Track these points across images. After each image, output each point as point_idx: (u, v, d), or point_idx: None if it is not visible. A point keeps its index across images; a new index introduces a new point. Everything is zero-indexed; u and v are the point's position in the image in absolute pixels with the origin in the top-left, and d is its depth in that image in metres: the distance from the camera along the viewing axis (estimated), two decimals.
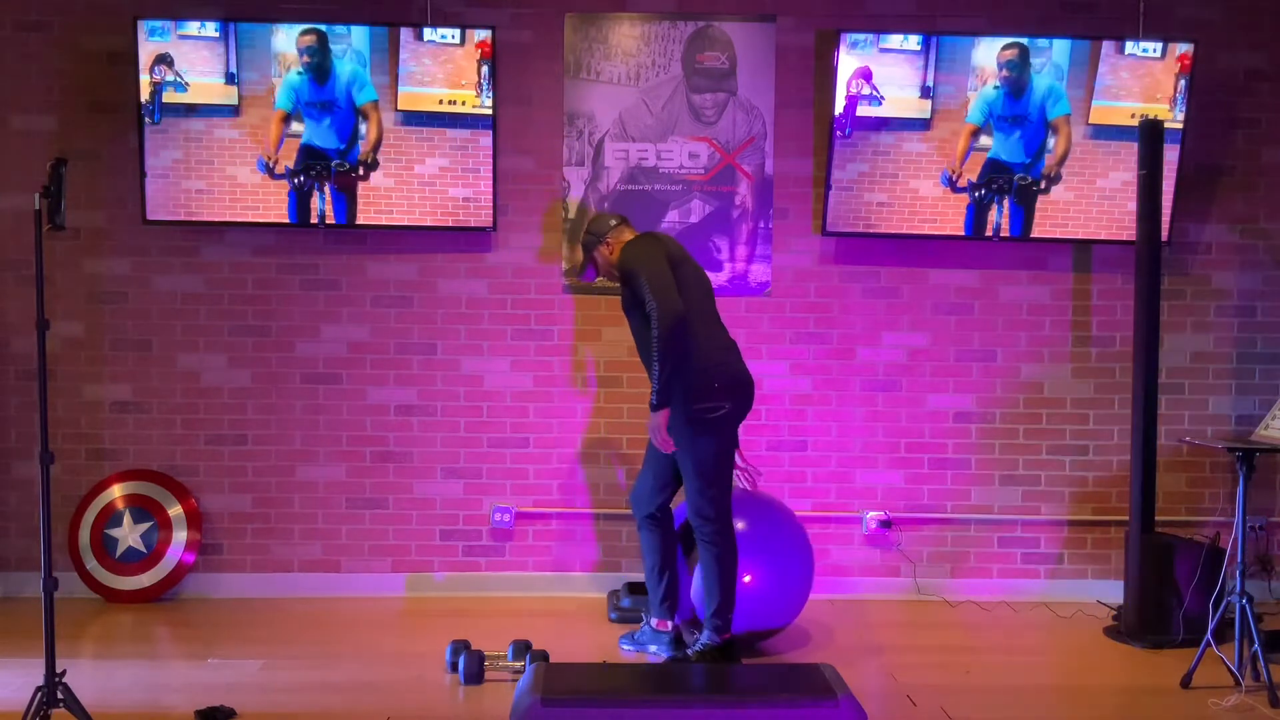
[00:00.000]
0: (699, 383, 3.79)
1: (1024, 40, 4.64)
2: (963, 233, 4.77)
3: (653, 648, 4.00)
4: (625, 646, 4.10)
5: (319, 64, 4.56)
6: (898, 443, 4.94)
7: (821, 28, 4.80)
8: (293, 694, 3.64)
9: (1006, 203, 4.75)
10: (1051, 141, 4.71)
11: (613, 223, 4.07)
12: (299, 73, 4.56)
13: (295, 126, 4.61)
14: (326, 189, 4.66)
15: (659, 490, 3.98)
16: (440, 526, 4.90)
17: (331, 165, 4.64)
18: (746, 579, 3.94)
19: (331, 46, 4.57)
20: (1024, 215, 4.76)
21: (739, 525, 3.94)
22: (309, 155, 4.62)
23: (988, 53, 4.63)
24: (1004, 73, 4.63)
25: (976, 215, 4.76)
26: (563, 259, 4.87)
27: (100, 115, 4.75)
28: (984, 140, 4.69)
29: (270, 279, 4.84)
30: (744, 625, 3.96)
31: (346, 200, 4.67)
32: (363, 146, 4.64)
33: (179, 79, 4.56)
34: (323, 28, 4.57)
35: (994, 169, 4.70)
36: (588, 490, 4.89)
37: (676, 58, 4.83)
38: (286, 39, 4.56)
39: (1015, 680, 3.87)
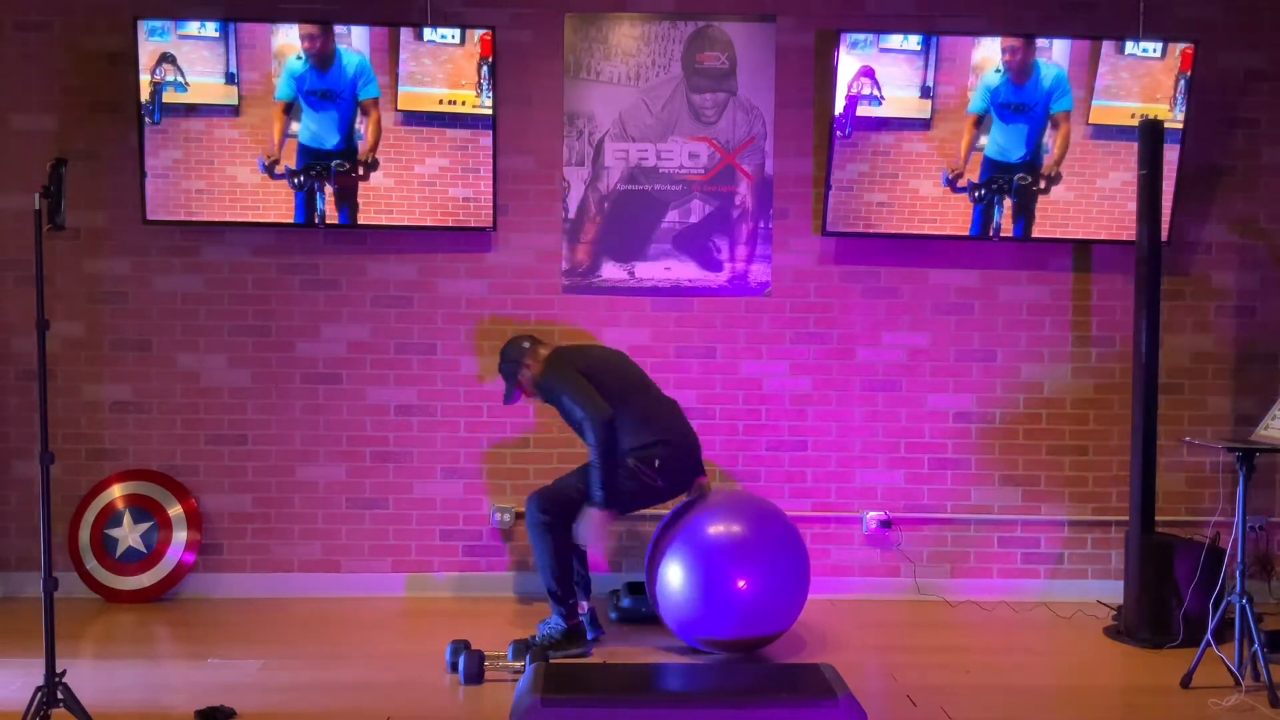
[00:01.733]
0: (643, 455, 4.04)
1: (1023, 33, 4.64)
2: (963, 233, 4.77)
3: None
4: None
5: (321, 49, 4.55)
6: (898, 443, 4.94)
7: (821, 28, 4.80)
8: (293, 694, 3.64)
9: (1007, 203, 4.75)
10: (1051, 137, 4.70)
11: (525, 345, 4.25)
12: (299, 58, 4.55)
13: (294, 126, 4.61)
14: (327, 189, 4.66)
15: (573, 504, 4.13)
16: (440, 526, 4.90)
17: (331, 165, 4.64)
18: (741, 584, 3.92)
19: (336, 31, 4.56)
20: (1024, 215, 4.76)
21: (734, 529, 3.95)
22: (307, 155, 4.62)
23: (988, 52, 4.63)
24: (1007, 56, 4.62)
25: (975, 215, 4.75)
26: (563, 259, 4.87)
27: (100, 115, 4.75)
28: (982, 140, 4.69)
29: (270, 279, 4.84)
30: (740, 632, 3.94)
31: (347, 200, 4.67)
32: (361, 146, 4.63)
33: (180, 79, 4.56)
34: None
35: (992, 168, 4.70)
36: None
37: (676, 58, 4.83)
38: (287, 37, 4.55)
39: (1015, 680, 3.87)
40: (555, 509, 4.06)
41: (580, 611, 4.13)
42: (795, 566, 4.03)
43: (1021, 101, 4.66)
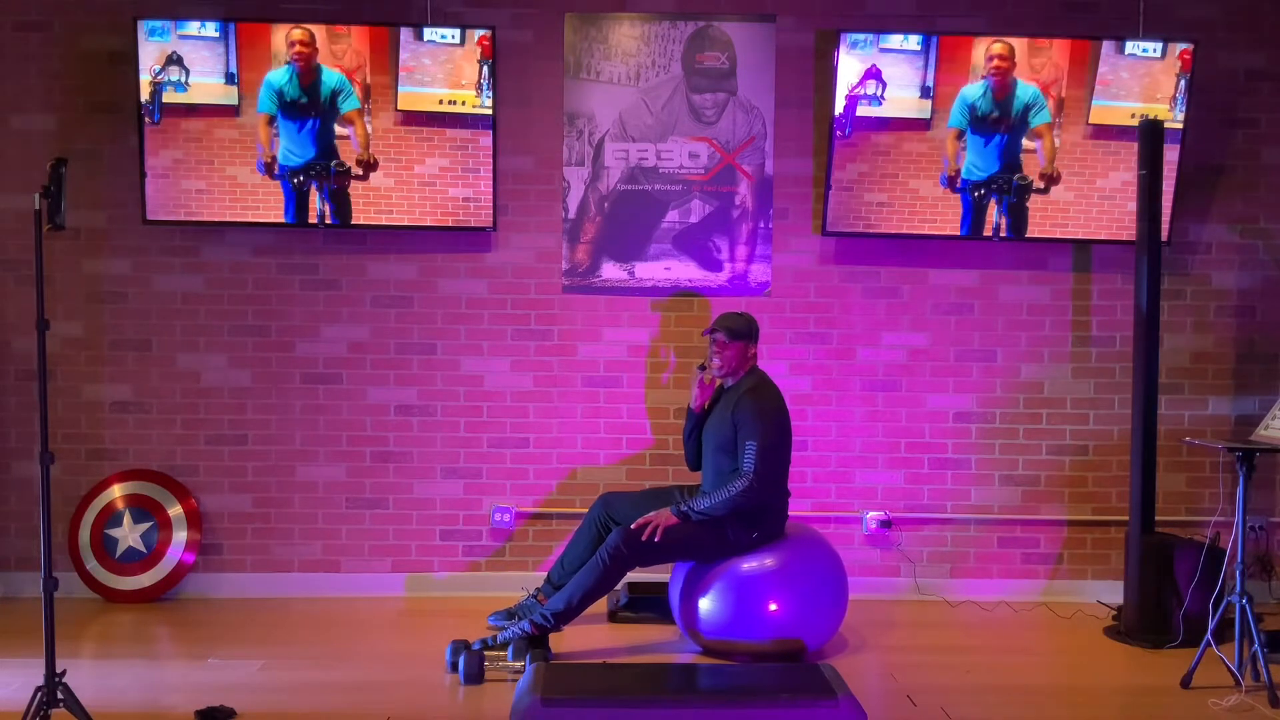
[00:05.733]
0: (749, 533, 4.02)
1: (1012, 40, 4.63)
2: (962, 233, 4.77)
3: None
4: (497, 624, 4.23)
5: (308, 64, 4.55)
6: (898, 443, 4.94)
7: (821, 28, 4.80)
8: (293, 694, 3.64)
9: (1005, 203, 4.75)
10: (1038, 147, 4.70)
11: (756, 333, 4.22)
12: (286, 67, 4.55)
13: (278, 128, 4.61)
14: (326, 189, 4.66)
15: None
16: (440, 526, 4.90)
17: (331, 165, 4.64)
18: (772, 607, 3.94)
19: (331, 46, 4.56)
20: (1023, 215, 4.75)
21: (770, 561, 4.00)
22: (286, 171, 4.62)
23: (983, 53, 4.63)
24: (994, 64, 4.61)
25: (975, 215, 4.76)
26: (563, 258, 4.87)
27: (100, 115, 4.75)
28: (964, 142, 4.70)
29: (270, 279, 4.84)
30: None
31: (346, 200, 4.67)
32: (354, 148, 4.62)
33: (183, 80, 4.56)
34: (312, 28, 4.56)
35: (971, 184, 4.70)
36: (588, 490, 4.87)
37: (676, 58, 4.83)
38: (285, 38, 4.56)
39: (1015, 680, 3.87)
40: (636, 551, 3.97)
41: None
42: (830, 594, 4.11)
43: (999, 116, 4.66)
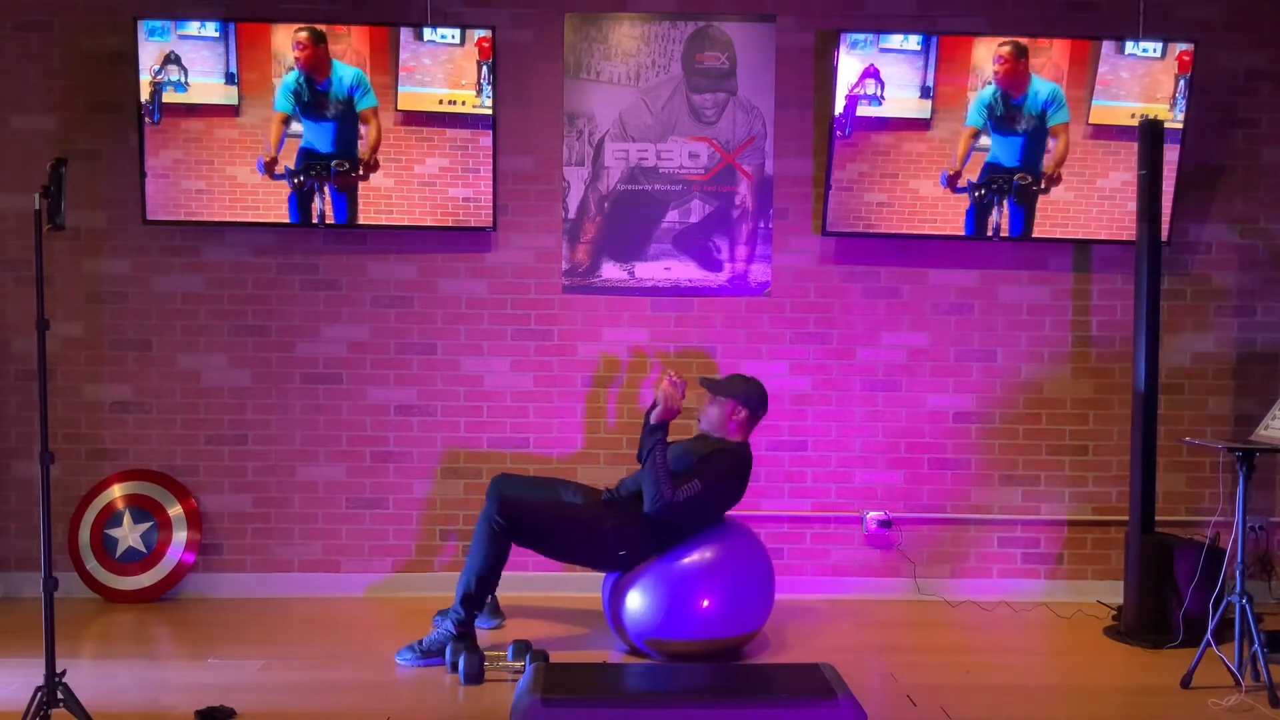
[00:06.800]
0: (619, 548, 3.99)
1: (1019, 39, 4.64)
2: (963, 233, 4.77)
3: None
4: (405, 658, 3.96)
5: (313, 59, 4.55)
6: (898, 443, 4.94)
7: (821, 28, 4.80)
8: (293, 694, 3.64)
9: (1006, 203, 4.75)
10: (1050, 146, 4.70)
11: (759, 415, 4.19)
12: (295, 73, 4.56)
13: (295, 127, 4.61)
14: (326, 189, 4.66)
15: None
16: (440, 526, 4.90)
17: (331, 165, 4.64)
18: (705, 604, 3.90)
19: (330, 46, 4.57)
20: (1024, 215, 4.76)
21: (705, 555, 3.95)
22: (309, 157, 4.62)
23: (987, 53, 4.63)
24: (998, 67, 4.61)
25: (977, 215, 4.76)
26: (563, 259, 4.87)
27: (100, 115, 4.75)
28: (984, 141, 4.69)
29: (270, 279, 4.84)
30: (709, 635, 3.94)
31: (346, 200, 4.67)
32: (362, 147, 4.63)
33: (182, 79, 4.56)
34: (319, 26, 4.57)
35: (993, 170, 4.70)
36: None
37: (676, 58, 4.83)
38: (285, 38, 4.56)
39: (1015, 680, 3.87)
40: (514, 521, 3.91)
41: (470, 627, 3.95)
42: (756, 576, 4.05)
43: (1016, 116, 4.66)
